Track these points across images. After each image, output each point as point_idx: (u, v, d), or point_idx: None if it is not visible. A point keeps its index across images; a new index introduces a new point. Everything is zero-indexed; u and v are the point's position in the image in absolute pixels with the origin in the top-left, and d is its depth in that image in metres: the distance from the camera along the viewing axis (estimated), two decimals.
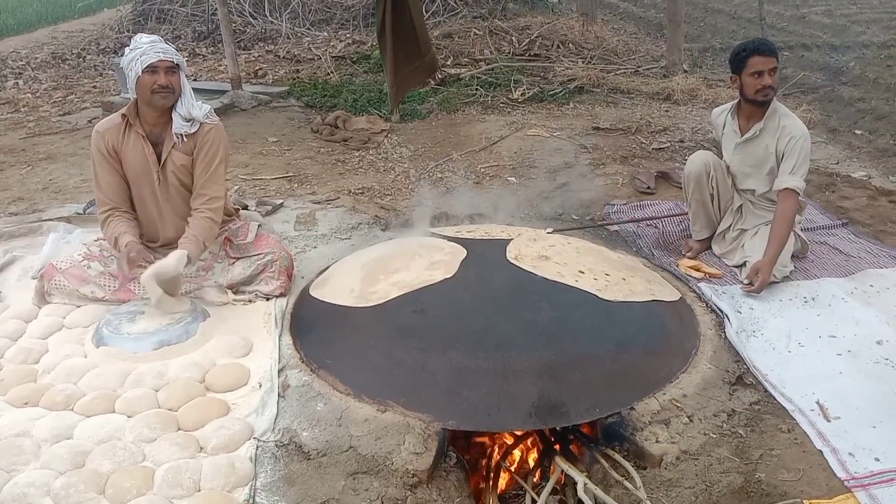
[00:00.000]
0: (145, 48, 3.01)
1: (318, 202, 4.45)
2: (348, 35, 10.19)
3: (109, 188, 3.14)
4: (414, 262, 3.20)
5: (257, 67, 8.42)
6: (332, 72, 7.87)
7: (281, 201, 4.37)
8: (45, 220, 4.08)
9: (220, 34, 10.80)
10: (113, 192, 3.14)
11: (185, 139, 3.13)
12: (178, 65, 3.07)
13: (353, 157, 5.41)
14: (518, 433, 2.63)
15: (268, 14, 11.21)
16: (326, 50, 8.99)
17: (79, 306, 3.18)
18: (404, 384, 2.56)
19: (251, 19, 11.10)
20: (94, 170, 3.16)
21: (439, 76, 7.26)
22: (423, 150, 5.54)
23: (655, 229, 3.94)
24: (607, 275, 3.09)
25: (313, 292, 3.20)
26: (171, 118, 3.13)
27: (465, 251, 3.26)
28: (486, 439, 2.64)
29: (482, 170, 5.06)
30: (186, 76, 3.16)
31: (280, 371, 2.72)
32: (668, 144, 5.47)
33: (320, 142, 5.76)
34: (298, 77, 7.85)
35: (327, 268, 3.47)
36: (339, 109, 6.42)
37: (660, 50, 8.90)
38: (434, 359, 2.63)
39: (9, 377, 2.69)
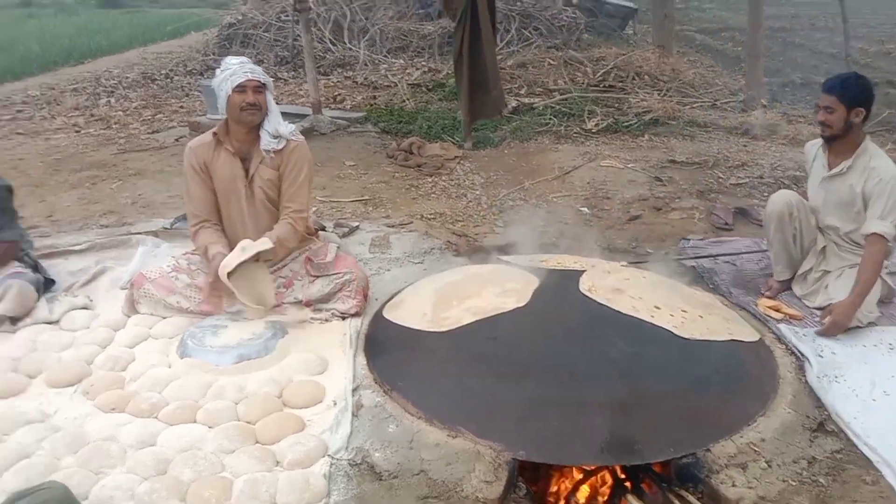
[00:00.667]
0: (235, 69, 3.16)
1: (392, 226, 4.53)
2: (424, 63, 10.39)
3: (200, 202, 3.29)
4: (486, 289, 3.23)
5: (336, 93, 8.66)
6: (407, 99, 8.02)
7: (357, 224, 4.47)
8: (134, 234, 4.28)
9: (301, 59, 11.21)
10: (203, 207, 3.29)
11: (273, 155, 3.26)
12: (265, 84, 3.22)
13: (427, 183, 5.50)
14: (589, 468, 2.60)
15: (347, 41, 11.53)
16: (402, 77, 9.18)
17: (164, 317, 3.31)
18: (475, 411, 2.58)
19: (331, 46, 11.44)
20: (187, 184, 3.32)
21: (513, 104, 7.32)
22: (496, 177, 5.59)
23: (733, 266, 3.87)
24: (684, 311, 3.05)
25: (387, 314, 3.26)
26: (259, 135, 3.27)
27: (538, 280, 3.26)
28: (556, 472, 2.62)
29: (554, 199, 5.07)
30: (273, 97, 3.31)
31: (354, 390, 2.77)
32: (747, 180, 5.37)
33: (395, 167, 5.87)
34: (375, 103, 8.04)
35: (400, 291, 3.53)
36: (414, 136, 6.53)
37: (738, 84, 8.76)
38: (505, 387, 2.64)
39: (98, 383, 2.82)
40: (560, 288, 3.24)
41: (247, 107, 3.17)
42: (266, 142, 3.25)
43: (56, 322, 3.33)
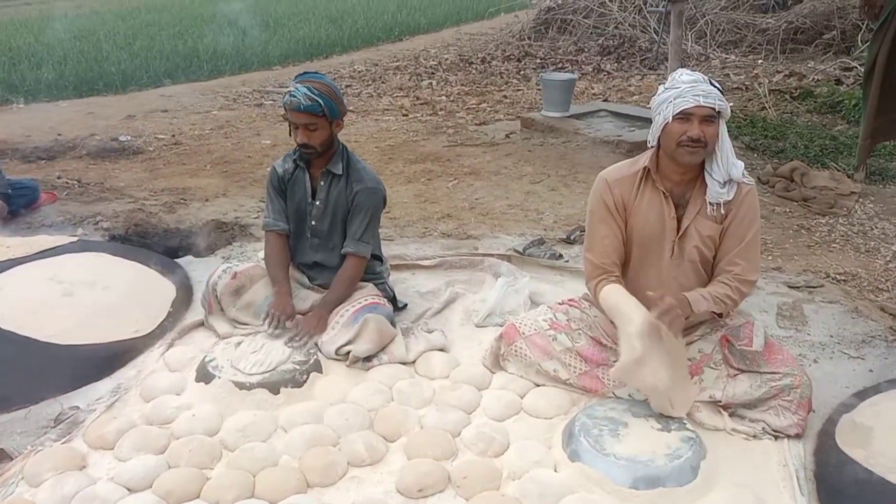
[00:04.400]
0: (682, 90, 2.37)
1: (797, 287, 3.51)
2: (759, 60, 8.99)
3: (605, 249, 2.56)
4: None
5: None
6: (767, 107, 6.77)
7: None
8: (485, 255, 3.73)
9: (625, 50, 10.36)
10: (609, 255, 2.56)
11: (721, 208, 2.45)
12: (719, 112, 2.38)
13: (820, 226, 4.34)
14: None
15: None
16: (758, 80, 7.86)
17: (538, 385, 2.68)
18: None
19: (654, 36, 10.42)
20: (591, 224, 2.61)
21: None
22: None
23: None
24: None
25: (845, 447, 2.30)
26: (700, 177, 2.47)
27: None
28: None
29: None
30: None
31: None
32: None
33: (772, 196, 4.78)
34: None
35: (853, 406, 2.53)
36: (790, 157, 5.36)
37: None
38: None
39: (472, 475, 2.23)
40: None
41: (687, 142, 2.37)
42: (715, 193, 2.43)
43: (412, 363, 2.85)
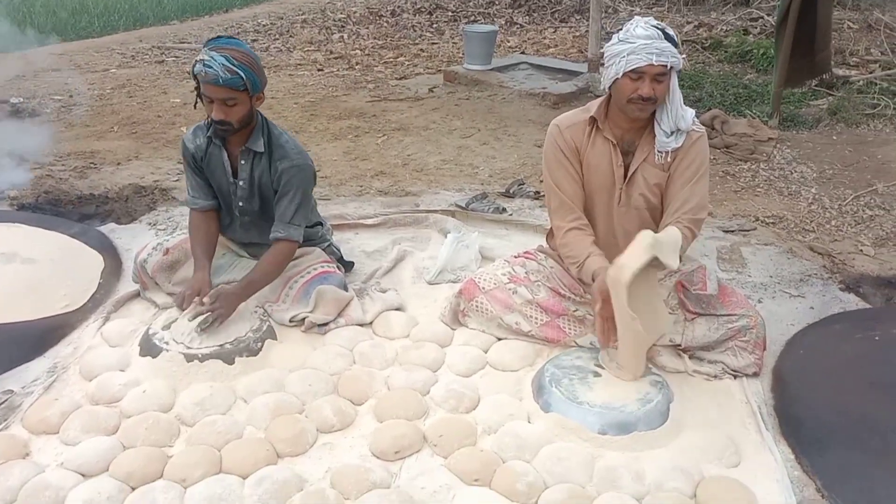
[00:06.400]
0: (637, 45, 2.31)
1: (731, 231, 3.64)
2: (661, 11, 9.15)
3: (571, 195, 2.54)
4: None
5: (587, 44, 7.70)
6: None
7: None
8: (428, 212, 3.66)
9: (535, 2, 10.34)
10: (575, 201, 2.55)
11: (668, 157, 2.46)
12: (671, 67, 2.36)
13: (743, 171, 4.50)
14: None
15: None
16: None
17: (500, 339, 2.66)
18: None
19: None
20: (550, 170, 2.57)
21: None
22: (832, 172, 4.48)
23: None
24: None
25: (799, 380, 2.41)
26: (651, 126, 2.47)
27: None
28: None
29: None
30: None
31: None
32: None
33: None
34: None
35: (795, 340, 2.65)
36: (707, 106, 5.51)
37: None
38: None
39: (447, 433, 2.20)
40: None
41: (637, 99, 2.35)
42: (662, 142, 2.43)
43: (369, 324, 2.77)
